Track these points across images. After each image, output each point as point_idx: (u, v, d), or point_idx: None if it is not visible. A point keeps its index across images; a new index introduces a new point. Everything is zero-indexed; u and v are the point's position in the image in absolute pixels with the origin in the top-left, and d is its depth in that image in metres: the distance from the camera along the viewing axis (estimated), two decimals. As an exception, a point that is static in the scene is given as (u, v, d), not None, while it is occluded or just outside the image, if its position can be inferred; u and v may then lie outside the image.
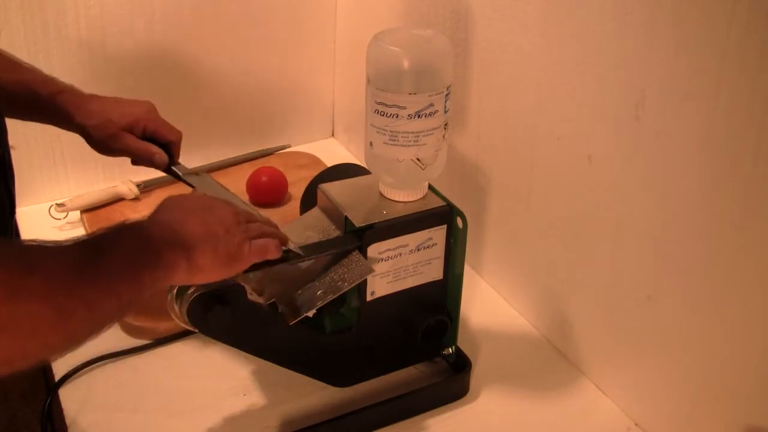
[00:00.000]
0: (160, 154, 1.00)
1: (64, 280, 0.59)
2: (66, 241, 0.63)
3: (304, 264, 0.85)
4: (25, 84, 0.97)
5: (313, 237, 0.87)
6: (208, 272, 0.72)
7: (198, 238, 0.71)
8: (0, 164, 0.85)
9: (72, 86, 1.00)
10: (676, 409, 0.85)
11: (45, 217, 1.22)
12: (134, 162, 1.02)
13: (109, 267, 0.63)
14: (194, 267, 0.70)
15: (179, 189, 1.28)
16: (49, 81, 0.99)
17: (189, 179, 1.01)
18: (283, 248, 0.79)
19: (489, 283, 1.14)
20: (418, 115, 0.82)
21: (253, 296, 0.83)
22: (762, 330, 0.73)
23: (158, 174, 1.27)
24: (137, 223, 0.70)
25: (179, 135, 1.03)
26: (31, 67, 1.00)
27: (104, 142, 0.98)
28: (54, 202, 1.23)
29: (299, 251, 0.82)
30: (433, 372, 0.97)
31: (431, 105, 0.82)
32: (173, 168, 1.01)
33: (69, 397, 0.91)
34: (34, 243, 0.60)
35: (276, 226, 0.82)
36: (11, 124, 0.88)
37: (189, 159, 1.06)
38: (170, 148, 1.02)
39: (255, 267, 0.77)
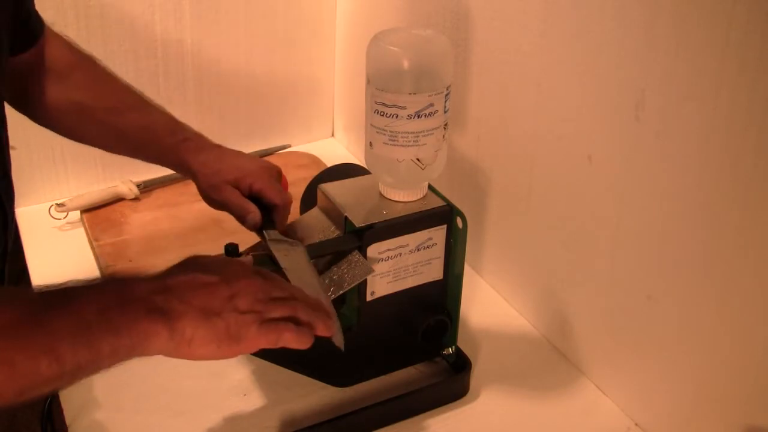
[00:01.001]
0: (254, 215, 0.92)
1: (4, 329, 0.54)
2: (33, 287, 0.59)
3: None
4: (149, 128, 0.98)
5: (313, 237, 0.87)
6: (199, 347, 0.63)
7: (193, 305, 0.63)
8: None
9: (199, 134, 1.00)
10: (676, 409, 0.85)
11: (45, 217, 1.22)
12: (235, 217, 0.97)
13: (53, 326, 0.56)
14: (179, 338, 0.62)
15: (180, 189, 1.28)
16: (175, 126, 0.99)
17: (276, 247, 0.85)
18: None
19: (489, 283, 1.14)
20: (418, 115, 0.82)
21: None
22: (762, 330, 0.73)
23: (158, 174, 1.28)
24: (124, 278, 0.64)
25: (286, 200, 0.96)
26: (157, 106, 1.00)
27: (206, 191, 0.97)
28: (54, 202, 1.23)
29: (341, 344, 0.75)
30: (433, 372, 0.97)
31: (431, 105, 0.82)
32: (263, 231, 0.90)
33: (69, 397, 0.91)
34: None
35: (328, 315, 0.73)
36: (11, 123, 0.88)
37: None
38: (273, 211, 0.94)
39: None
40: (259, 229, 0.91)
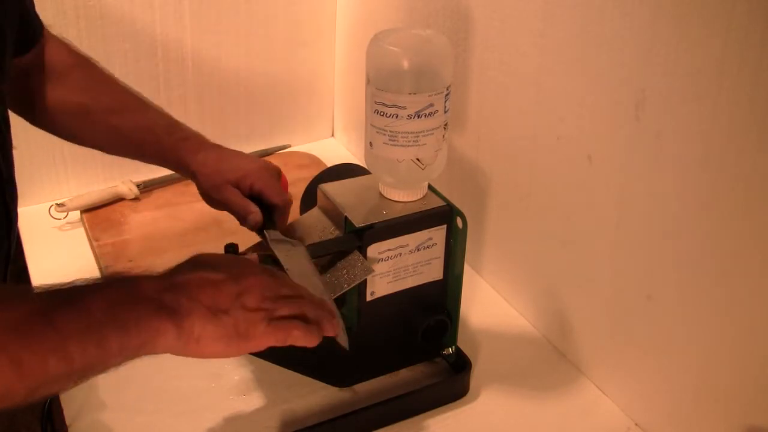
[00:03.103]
0: (255, 215, 0.92)
1: (16, 330, 0.54)
2: (38, 287, 0.58)
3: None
4: (149, 129, 0.98)
5: (313, 237, 0.87)
6: (207, 345, 0.63)
7: (201, 303, 0.63)
8: None
9: (197, 133, 1.00)
10: (676, 409, 0.85)
11: (45, 217, 1.22)
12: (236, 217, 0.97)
13: (62, 324, 0.56)
14: (187, 336, 0.62)
15: (180, 189, 1.28)
16: (174, 127, 0.99)
17: (277, 247, 0.85)
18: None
19: (489, 283, 1.14)
20: (418, 115, 0.82)
21: None
22: (762, 330, 0.73)
23: (159, 174, 1.28)
24: (132, 277, 0.63)
25: (286, 200, 0.96)
26: (156, 107, 1.00)
27: (207, 192, 0.97)
28: (54, 202, 1.23)
29: (345, 343, 0.75)
30: (433, 372, 0.97)
31: (431, 105, 0.82)
32: (264, 231, 0.90)
33: (69, 397, 0.91)
34: (4, 286, 0.57)
35: (333, 313, 0.73)
36: (12, 123, 0.88)
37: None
38: (274, 211, 0.95)
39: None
40: (259, 229, 0.91)
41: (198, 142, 0.99)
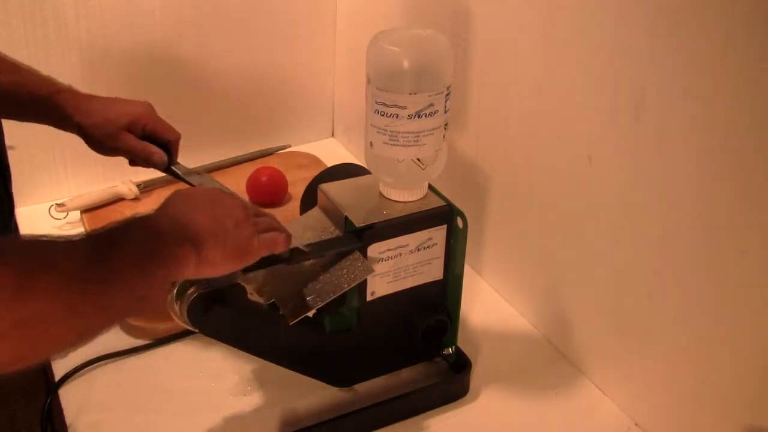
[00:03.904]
0: (159, 154, 0.99)
1: (75, 278, 0.59)
2: (75, 235, 0.63)
3: (305, 264, 0.85)
4: (22, 84, 0.97)
5: (313, 237, 0.87)
6: (217, 266, 0.72)
7: (208, 231, 0.71)
8: None
9: (70, 86, 1.00)
10: (677, 409, 0.85)
11: (45, 217, 1.22)
12: (132, 162, 1.02)
13: (120, 263, 0.62)
14: (204, 261, 0.70)
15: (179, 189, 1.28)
16: (47, 81, 0.99)
17: (189, 179, 1.00)
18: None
19: (489, 283, 1.14)
20: (418, 115, 0.82)
21: (253, 296, 0.83)
22: (762, 330, 0.73)
23: (158, 174, 1.27)
24: (146, 217, 0.70)
25: (178, 135, 1.02)
26: (29, 68, 0.99)
27: (102, 142, 0.98)
28: (54, 202, 1.23)
29: (305, 248, 0.82)
30: (433, 372, 0.97)
31: (431, 105, 0.82)
32: (173, 168, 1.01)
33: (69, 397, 0.91)
34: (44, 238, 0.60)
35: (279, 223, 0.82)
36: (10, 124, 0.88)
37: (189, 159, 1.06)
38: (169, 147, 1.01)
39: (262, 264, 0.77)
40: (167, 167, 1.00)
41: (73, 93, 0.99)
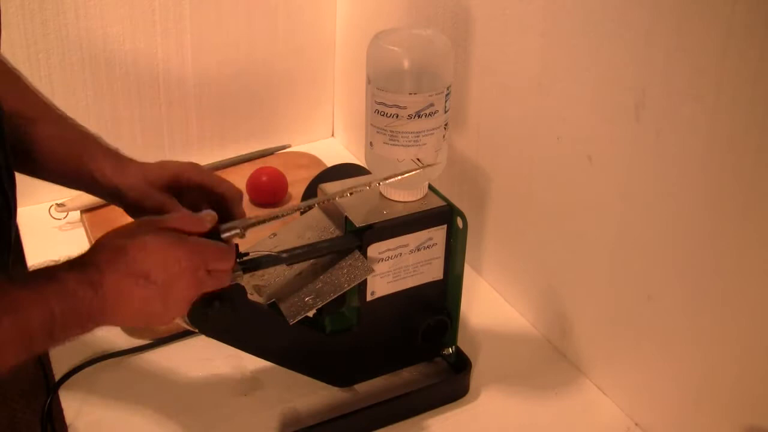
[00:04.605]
0: (213, 215, 0.78)
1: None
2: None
3: (305, 264, 0.85)
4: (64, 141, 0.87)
5: (313, 237, 0.87)
6: (128, 314, 0.70)
7: (129, 310, 0.69)
8: None
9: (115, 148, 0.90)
10: (677, 409, 0.85)
11: (45, 217, 1.22)
12: None
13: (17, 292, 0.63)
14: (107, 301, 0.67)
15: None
16: (89, 139, 0.88)
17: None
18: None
19: (489, 283, 1.14)
20: (418, 115, 0.82)
21: (253, 296, 0.83)
22: (763, 330, 0.73)
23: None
24: (71, 281, 0.66)
25: (236, 191, 0.87)
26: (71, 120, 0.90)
27: (138, 203, 0.86)
28: (54, 202, 1.23)
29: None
30: (433, 372, 0.97)
31: (431, 105, 0.82)
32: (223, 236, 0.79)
33: (69, 397, 0.91)
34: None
35: (226, 252, 0.75)
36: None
37: (189, 159, 1.05)
38: (226, 206, 0.86)
39: (262, 265, 0.77)
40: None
41: (115, 156, 0.88)
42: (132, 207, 0.87)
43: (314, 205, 0.84)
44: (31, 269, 0.67)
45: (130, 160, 0.88)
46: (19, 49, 1.14)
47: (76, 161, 0.87)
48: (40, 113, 0.87)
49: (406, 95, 0.81)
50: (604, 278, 0.91)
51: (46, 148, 0.86)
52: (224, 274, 0.76)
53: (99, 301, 0.66)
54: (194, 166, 0.89)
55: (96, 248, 0.70)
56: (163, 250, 0.70)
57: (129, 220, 1.22)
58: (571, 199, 0.94)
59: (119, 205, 0.88)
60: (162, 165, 0.88)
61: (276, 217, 0.79)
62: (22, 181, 0.91)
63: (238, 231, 0.77)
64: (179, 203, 0.86)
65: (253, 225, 0.78)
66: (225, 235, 0.77)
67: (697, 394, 0.82)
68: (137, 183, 0.86)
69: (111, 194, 0.88)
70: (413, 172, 0.83)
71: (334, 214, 0.88)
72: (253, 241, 0.93)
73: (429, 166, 0.83)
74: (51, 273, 0.66)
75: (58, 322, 0.64)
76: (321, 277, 0.84)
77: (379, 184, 0.83)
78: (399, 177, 0.82)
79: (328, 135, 1.54)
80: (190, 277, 0.71)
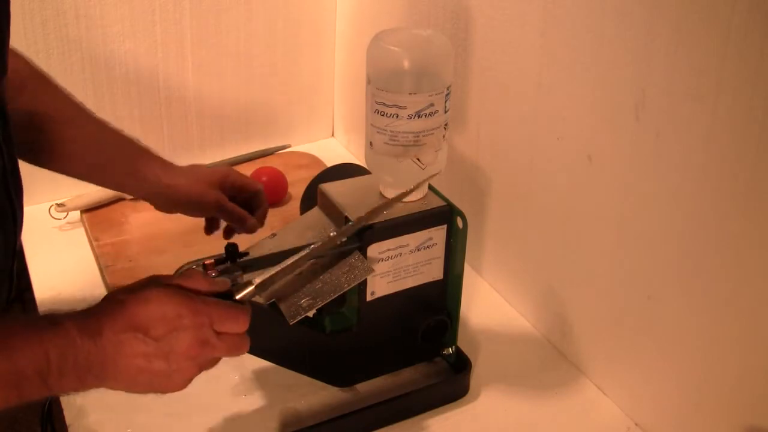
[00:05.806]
0: (252, 219, 0.97)
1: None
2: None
3: (305, 264, 0.85)
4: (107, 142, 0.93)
5: (313, 237, 0.87)
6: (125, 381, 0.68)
7: (128, 378, 0.67)
8: (1, 174, 0.82)
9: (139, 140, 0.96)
10: (676, 409, 0.85)
11: (45, 217, 1.22)
12: (226, 232, 1.00)
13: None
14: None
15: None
16: (131, 142, 0.95)
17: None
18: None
19: (489, 283, 1.14)
20: (418, 115, 0.82)
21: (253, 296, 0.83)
22: (763, 330, 0.73)
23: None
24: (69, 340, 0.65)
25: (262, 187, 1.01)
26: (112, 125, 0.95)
27: (193, 200, 0.94)
28: (54, 202, 1.23)
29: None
30: (433, 372, 0.97)
31: (431, 105, 0.82)
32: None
33: (69, 397, 0.91)
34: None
35: (240, 312, 0.73)
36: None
37: (190, 159, 1.06)
38: (255, 201, 0.99)
39: (262, 265, 0.76)
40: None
41: (155, 157, 0.95)
42: (181, 205, 0.94)
43: (325, 253, 0.82)
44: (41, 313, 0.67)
45: (172, 163, 0.95)
46: (19, 49, 1.13)
47: (123, 161, 0.92)
48: (74, 114, 0.91)
49: (406, 95, 0.81)
50: (604, 278, 0.91)
51: (82, 148, 0.91)
52: (238, 339, 0.72)
53: (99, 353, 0.64)
54: (233, 169, 1.00)
55: (101, 301, 0.69)
56: (163, 305, 0.67)
57: (129, 219, 1.22)
58: (571, 199, 0.94)
59: (157, 204, 0.95)
60: (206, 168, 0.96)
61: (287, 267, 0.78)
62: (22, 181, 0.91)
63: (251, 290, 0.75)
64: (234, 206, 0.95)
65: (268, 284, 0.77)
66: (239, 296, 0.75)
67: (697, 394, 0.82)
68: (190, 182, 0.93)
69: (157, 193, 0.93)
70: (419, 184, 0.85)
71: (334, 214, 0.88)
72: (253, 241, 0.94)
73: (433, 176, 0.86)
74: (54, 318, 0.65)
75: (53, 367, 0.62)
76: (321, 277, 0.84)
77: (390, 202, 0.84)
78: (409, 192, 0.84)
79: (328, 135, 1.54)
80: (193, 335, 0.68)
